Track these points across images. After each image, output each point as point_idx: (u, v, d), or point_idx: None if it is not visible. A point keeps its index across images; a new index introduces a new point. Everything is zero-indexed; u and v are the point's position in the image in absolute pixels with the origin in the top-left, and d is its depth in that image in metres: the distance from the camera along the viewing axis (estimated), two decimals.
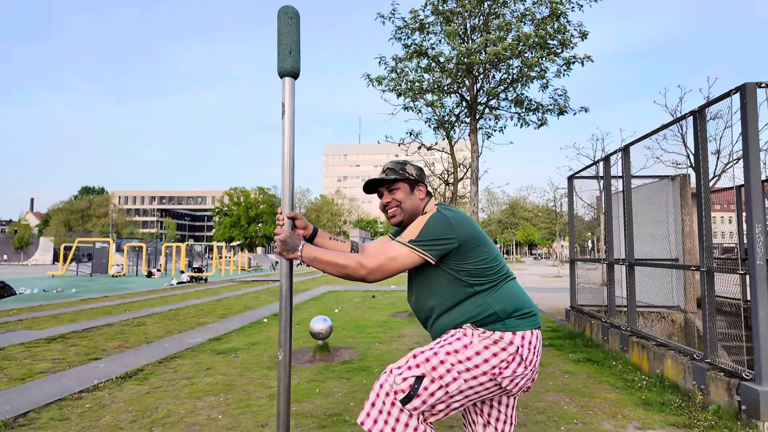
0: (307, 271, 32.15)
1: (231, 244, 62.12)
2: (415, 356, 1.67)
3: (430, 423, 1.68)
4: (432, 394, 1.62)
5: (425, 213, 1.83)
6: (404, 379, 1.62)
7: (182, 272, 22.08)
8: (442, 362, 1.63)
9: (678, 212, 7.26)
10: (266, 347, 6.10)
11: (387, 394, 1.63)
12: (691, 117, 4.16)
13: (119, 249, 35.32)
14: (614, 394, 4.14)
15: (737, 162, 12.97)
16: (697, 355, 4.06)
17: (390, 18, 7.18)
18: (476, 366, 1.62)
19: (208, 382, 4.50)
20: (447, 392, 1.62)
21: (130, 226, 76.02)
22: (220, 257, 35.48)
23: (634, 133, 23.73)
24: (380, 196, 1.92)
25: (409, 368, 1.64)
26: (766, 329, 3.34)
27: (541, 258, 72.63)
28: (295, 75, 1.75)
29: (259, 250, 68.61)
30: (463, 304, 1.71)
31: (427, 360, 1.64)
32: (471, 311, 1.69)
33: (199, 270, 23.73)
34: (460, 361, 1.62)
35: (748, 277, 3.62)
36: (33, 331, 7.46)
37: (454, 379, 1.62)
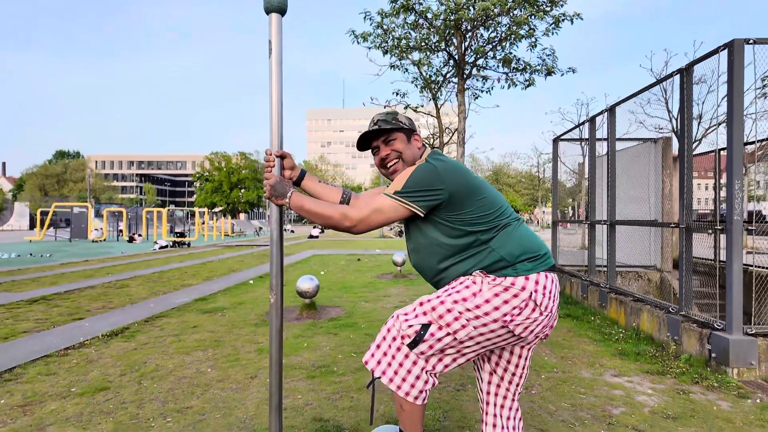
0: (292, 237, 32.14)
1: (213, 210, 61.42)
2: (422, 304, 1.64)
3: (438, 374, 1.66)
4: (439, 340, 1.59)
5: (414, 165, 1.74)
6: (410, 326, 1.61)
7: (161, 238, 21.80)
8: (449, 310, 1.59)
9: (659, 174, 7.39)
10: (253, 306, 6.13)
11: (393, 339, 1.62)
12: (678, 75, 4.16)
13: (98, 214, 34.63)
14: (592, 346, 4.31)
15: (718, 127, 13.15)
16: (672, 309, 4.22)
17: None
18: (486, 314, 1.57)
19: (196, 338, 4.52)
20: (456, 338, 1.59)
21: (108, 191, 74.24)
22: (203, 222, 35.14)
23: (618, 98, 23.82)
24: (375, 153, 1.83)
25: (416, 316, 1.62)
26: (738, 281, 3.47)
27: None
28: (282, 11, 1.67)
29: (242, 216, 68.05)
30: (466, 253, 1.64)
31: (434, 308, 1.61)
32: (476, 259, 1.63)
33: (182, 235, 23.50)
34: (468, 309, 1.58)
35: (722, 235, 3.75)
36: (13, 293, 7.35)
37: (463, 327, 1.58)
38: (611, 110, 5.68)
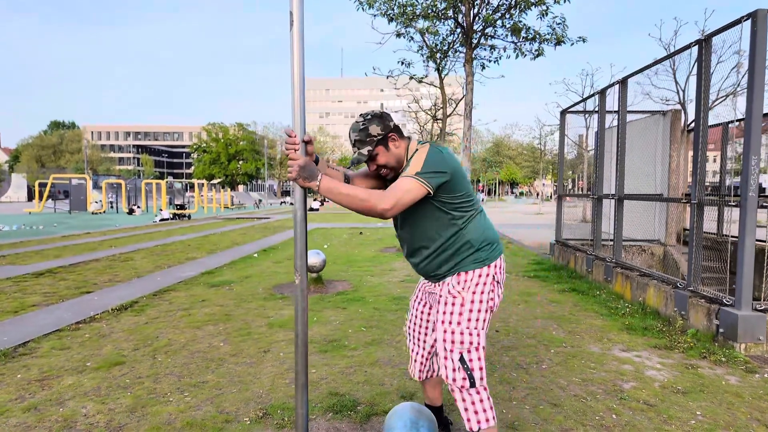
0: (291, 209, 31.89)
1: (212, 182, 61.12)
2: (447, 351, 1.89)
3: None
4: (479, 359, 1.89)
5: (417, 151, 1.90)
6: (455, 370, 1.87)
7: (161, 210, 21.74)
8: (462, 333, 1.89)
9: (667, 148, 7.31)
10: (260, 280, 6.16)
11: (466, 392, 1.87)
12: (697, 46, 4.05)
13: (97, 186, 34.44)
14: (599, 320, 4.35)
15: (725, 99, 12.96)
16: (680, 284, 4.24)
17: None
18: (478, 311, 1.91)
19: (206, 312, 4.55)
20: (479, 345, 1.90)
21: (105, 163, 73.64)
22: (202, 195, 35.02)
23: (624, 69, 23.29)
24: (367, 164, 2.01)
25: (454, 364, 1.87)
26: (750, 258, 3.47)
27: (522, 196, 73.70)
28: None
29: (241, 188, 67.79)
30: (448, 235, 1.91)
31: (453, 342, 1.89)
32: (452, 241, 1.92)
33: (182, 207, 23.44)
34: (469, 320, 1.90)
35: (728, 210, 3.73)
36: (18, 266, 7.36)
37: (478, 334, 1.90)
38: (623, 82, 5.56)
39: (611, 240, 5.82)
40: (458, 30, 6.69)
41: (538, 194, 47.73)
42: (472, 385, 1.86)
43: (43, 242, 10.90)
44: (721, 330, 3.55)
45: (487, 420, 1.87)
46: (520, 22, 6.40)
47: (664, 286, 4.42)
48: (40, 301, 5.04)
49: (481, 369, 1.89)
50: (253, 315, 4.45)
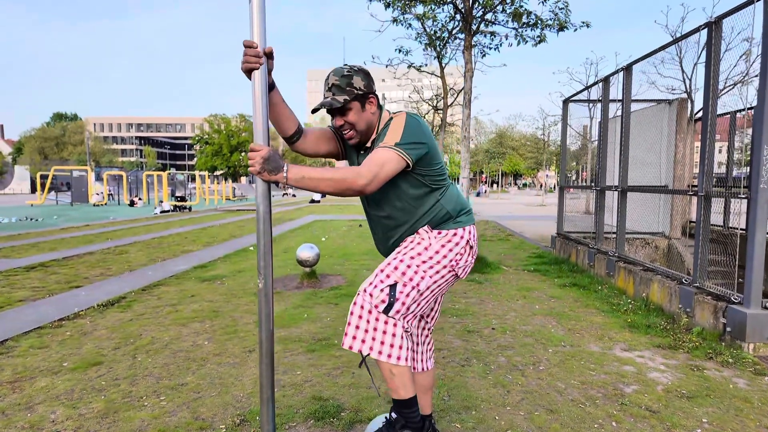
0: (293, 201, 31.97)
1: (214, 174, 60.99)
2: (382, 270, 1.74)
3: (408, 331, 1.77)
4: (407, 295, 1.71)
5: (392, 120, 1.78)
6: (381, 291, 1.68)
7: (161, 202, 21.63)
8: (409, 266, 1.74)
9: (672, 138, 7.09)
10: (252, 274, 6.02)
11: (369, 312, 1.67)
12: (706, 29, 3.84)
13: (99, 178, 34.38)
14: (600, 317, 4.19)
15: (732, 88, 12.65)
16: (685, 280, 4.07)
17: None
18: (438, 262, 1.78)
19: (194, 308, 4.42)
20: (419, 291, 1.74)
21: (108, 155, 73.62)
22: (204, 186, 34.89)
23: (629, 57, 22.83)
24: (332, 116, 1.82)
25: (382, 281, 1.71)
26: (760, 253, 3.29)
27: (526, 187, 73.28)
28: None
29: (243, 179, 67.70)
30: (426, 206, 1.82)
31: (396, 268, 1.73)
32: (432, 213, 1.83)
33: (183, 199, 23.35)
34: (424, 261, 1.77)
35: (735, 202, 3.54)
36: (11, 259, 7.26)
37: (422, 278, 1.74)
38: (628, 69, 5.34)
39: (614, 233, 5.64)
40: (457, 16, 6.46)
41: (541, 186, 47.39)
42: (386, 311, 1.66)
43: (41, 235, 10.81)
44: (728, 329, 3.39)
45: (389, 356, 1.65)
46: (521, 7, 6.16)
47: (668, 282, 4.25)
48: (27, 296, 4.92)
49: (406, 307, 1.70)
50: (242, 311, 4.31)
